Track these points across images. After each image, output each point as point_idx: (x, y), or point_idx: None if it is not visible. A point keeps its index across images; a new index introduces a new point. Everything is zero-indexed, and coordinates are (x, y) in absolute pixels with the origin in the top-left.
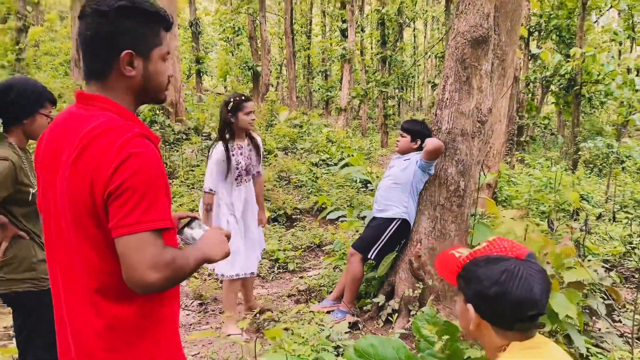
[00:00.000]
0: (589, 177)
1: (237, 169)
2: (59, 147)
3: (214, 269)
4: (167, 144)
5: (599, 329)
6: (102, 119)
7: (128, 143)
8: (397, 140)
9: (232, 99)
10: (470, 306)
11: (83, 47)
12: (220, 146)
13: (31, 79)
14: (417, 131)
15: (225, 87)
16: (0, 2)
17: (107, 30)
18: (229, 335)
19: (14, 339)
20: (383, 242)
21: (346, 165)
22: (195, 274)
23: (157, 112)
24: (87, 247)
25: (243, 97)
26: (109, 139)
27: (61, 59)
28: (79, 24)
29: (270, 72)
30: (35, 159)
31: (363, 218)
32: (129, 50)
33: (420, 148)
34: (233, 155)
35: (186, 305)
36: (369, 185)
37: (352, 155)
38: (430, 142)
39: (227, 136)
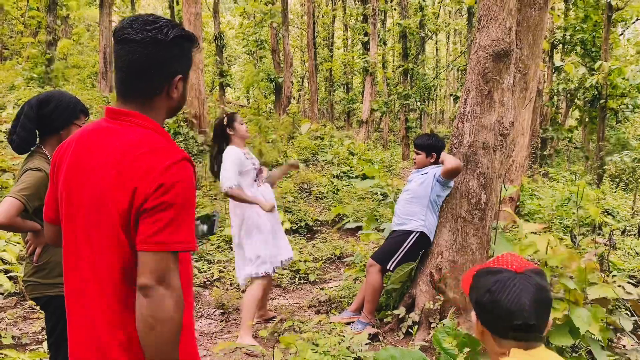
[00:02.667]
0: (615, 192)
1: (255, 169)
2: (92, 158)
3: (264, 272)
4: (190, 155)
5: (624, 346)
6: (143, 135)
7: (175, 166)
8: (414, 158)
9: (223, 116)
10: (473, 313)
11: (131, 70)
12: (232, 148)
13: (66, 91)
14: (430, 145)
15: (247, 100)
16: (31, 16)
17: (163, 57)
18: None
19: (44, 343)
20: (402, 254)
21: (365, 176)
22: (218, 283)
23: (181, 124)
24: (115, 258)
25: (232, 112)
26: (157, 157)
27: (88, 71)
28: (121, 46)
29: (292, 84)
30: (56, 165)
31: (382, 230)
32: (180, 75)
33: (436, 161)
34: (247, 158)
35: (209, 315)
36: (388, 197)
37: (371, 166)
38: (449, 162)
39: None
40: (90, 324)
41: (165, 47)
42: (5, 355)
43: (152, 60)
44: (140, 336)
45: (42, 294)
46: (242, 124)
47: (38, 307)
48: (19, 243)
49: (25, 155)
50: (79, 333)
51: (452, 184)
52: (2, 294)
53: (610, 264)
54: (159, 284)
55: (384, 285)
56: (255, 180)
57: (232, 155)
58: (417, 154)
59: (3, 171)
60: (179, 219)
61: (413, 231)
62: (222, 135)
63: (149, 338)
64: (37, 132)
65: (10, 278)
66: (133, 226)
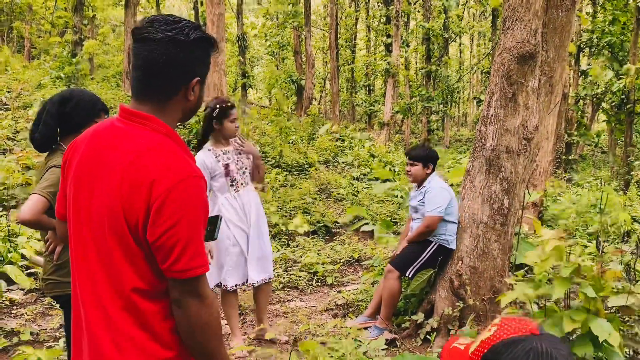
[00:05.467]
0: None
1: (228, 173)
2: (102, 158)
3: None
4: None
5: None
6: (157, 141)
7: (185, 182)
8: (408, 171)
9: (217, 106)
10: None
11: (149, 69)
12: (202, 152)
13: (87, 90)
14: (427, 156)
15: (269, 100)
16: (58, 16)
17: (182, 58)
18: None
19: (61, 340)
20: (421, 262)
21: (387, 180)
22: None
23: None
24: (125, 264)
25: (229, 104)
26: (170, 169)
27: (113, 71)
28: (140, 45)
29: (314, 85)
30: (67, 162)
31: (400, 234)
32: (198, 78)
33: (432, 172)
34: (219, 160)
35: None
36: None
37: (388, 168)
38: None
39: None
40: (89, 322)
41: (184, 48)
42: (23, 351)
43: (170, 60)
44: (183, 340)
45: (62, 292)
46: (232, 122)
47: (57, 304)
48: (40, 240)
49: (46, 153)
50: (79, 328)
51: (454, 208)
52: (22, 289)
53: (636, 272)
54: (190, 297)
55: (403, 290)
56: (231, 185)
57: (198, 162)
58: (413, 165)
59: (28, 168)
60: (193, 243)
61: (432, 242)
62: (208, 128)
63: (191, 342)
64: (58, 130)
65: (30, 274)
66: (142, 229)
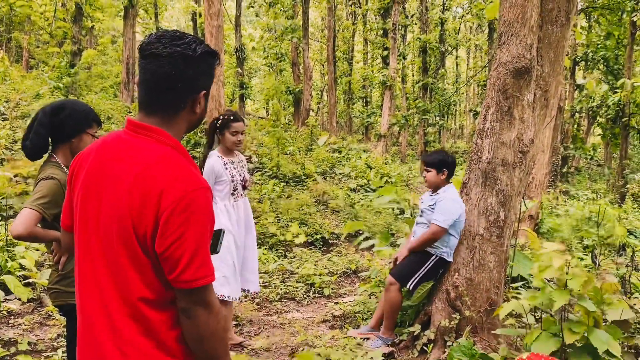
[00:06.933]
0: (638, 212)
1: (233, 181)
2: (110, 170)
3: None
4: None
5: None
6: (164, 154)
7: (193, 193)
8: (424, 176)
9: (221, 117)
10: None
11: (158, 84)
12: (212, 157)
13: (79, 100)
14: (441, 161)
15: (267, 111)
16: (57, 27)
17: (191, 74)
18: None
19: (59, 350)
20: (422, 274)
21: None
22: None
23: (200, 134)
24: (133, 273)
25: (232, 117)
26: (178, 181)
27: (111, 81)
28: (149, 61)
29: (312, 97)
30: (75, 173)
31: (397, 246)
32: (204, 91)
33: (448, 178)
34: (227, 168)
35: None
36: (405, 213)
37: (390, 183)
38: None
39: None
40: (94, 330)
41: (192, 63)
42: None
43: (179, 75)
44: (191, 348)
45: (66, 301)
46: (234, 135)
47: (54, 314)
48: (38, 249)
49: (40, 163)
50: (85, 337)
51: (461, 223)
52: (19, 299)
53: (631, 285)
54: (198, 306)
55: (402, 301)
56: (232, 194)
57: (208, 165)
58: (428, 171)
59: (25, 178)
60: (199, 253)
61: (432, 254)
62: (211, 136)
63: (198, 350)
64: (50, 140)
65: (27, 284)
66: (150, 240)
